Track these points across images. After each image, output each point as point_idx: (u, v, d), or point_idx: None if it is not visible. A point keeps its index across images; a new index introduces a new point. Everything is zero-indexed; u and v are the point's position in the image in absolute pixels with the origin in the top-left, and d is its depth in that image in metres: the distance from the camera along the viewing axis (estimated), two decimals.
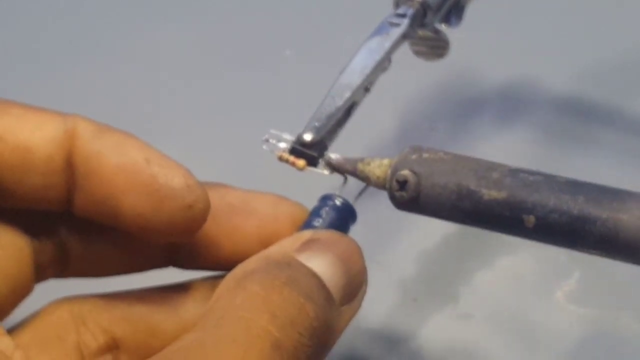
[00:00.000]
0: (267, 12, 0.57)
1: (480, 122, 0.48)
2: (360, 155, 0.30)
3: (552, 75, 0.50)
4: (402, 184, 0.28)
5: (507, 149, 0.45)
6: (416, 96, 0.49)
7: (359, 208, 0.30)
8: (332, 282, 0.26)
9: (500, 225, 0.27)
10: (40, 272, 0.28)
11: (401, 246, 0.41)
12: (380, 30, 0.35)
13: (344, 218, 0.29)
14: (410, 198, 0.28)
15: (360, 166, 0.30)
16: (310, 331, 0.24)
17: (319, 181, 0.31)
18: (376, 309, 0.38)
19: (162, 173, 0.26)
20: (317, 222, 0.29)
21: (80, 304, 0.28)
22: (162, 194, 0.26)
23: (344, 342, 0.27)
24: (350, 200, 0.30)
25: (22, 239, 0.27)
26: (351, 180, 0.30)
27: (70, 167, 0.26)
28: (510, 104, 0.49)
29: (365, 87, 0.33)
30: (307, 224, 0.29)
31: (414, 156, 0.28)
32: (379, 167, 0.29)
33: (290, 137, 0.31)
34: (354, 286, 0.27)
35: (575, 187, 0.26)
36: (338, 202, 0.29)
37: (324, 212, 0.29)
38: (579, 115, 0.48)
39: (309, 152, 0.31)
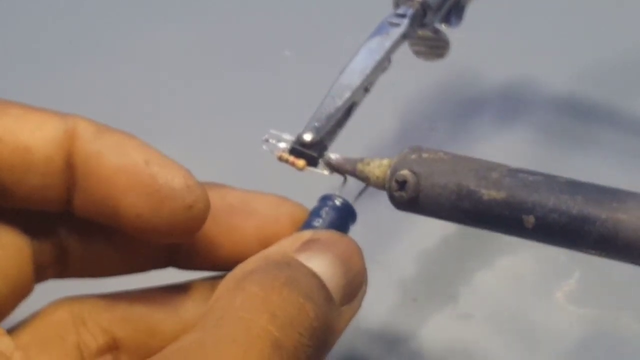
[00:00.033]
0: (267, 12, 0.57)
1: (480, 122, 0.48)
2: (360, 155, 0.30)
3: (552, 75, 0.50)
4: (402, 184, 0.28)
5: (507, 149, 0.45)
6: (416, 96, 0.49)
7: (358, 208, 0.30)
8: (332, 282, 0.26)
9: (499, 226, 0.27)
10: (40, 273, 0.28)
11: (401, 246, 0.41)
12: (380, 31, 0.35)
13: (343, 218, 0.29)
14: (410, 198, 0.28)
15: (359, 166, 0.30)
16: (310, 331, 0.24)
17: (319, 181, 0.31)
18: (376, 309, 0.38)
19: (162, 173, 0.26)
20: (317, 222, 0.29)
21: (80, 304, 0.28)
22: (162, 194, 0.26)
23: (344, 342, 0.27)
24: (350, 200, 0.30)
25: (22, 239, 0.27)
26: (351, 180, 0.30)
27: (70, 168, 0.26)
28: (510, 104, 0.49)
29: (365, 88, 0.33)
30: (306, 224, 0.29)
31: (413, 156, 0.28)
32: (378, 167, 0.29)
33: (290, 137, 0.31)
34: (354, 286, 0.27)
35: (575, 187, 0.26)
36: (338, 202, 0.29)
37: (324, 212, 0.29)
38: (579, 115, 0.48)
39: (309, 152, 0.31)
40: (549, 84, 0.50)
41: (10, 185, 0.26)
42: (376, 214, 0.34)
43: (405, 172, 0.28)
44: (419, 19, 0.37)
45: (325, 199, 0.29)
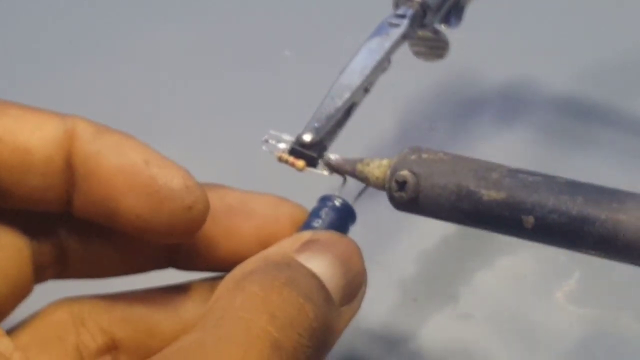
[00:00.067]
0: (267, 12, 0.57)
1: (480, 122, 0.48)
2: (360, 155, 0.30)
3: (552, 75, 0.50)
4: (402, 184, 0.28)
5: (507, 149, 0.45)
6: (416, 96, 0.49)
7: (358, 208, 0.30)
8: (332, 283, 0.26)
9: (499, 226, 0.27)
10: (40, 273, 0.28)
11: (401, 246, 0.41)
12: (380, 31, 0.35)
13: (343, 219, 0.29)
14: (410, 198, 0.28)
15: (359, 167, 0.30)
16: (310, 332, 0.24)
17: (319, 182, 0.31)
18: (376, 309, 0.38)
19: (162, 174, 0.26)
20: (317, 223, 0.29)
21: (79, 305, 0.28)
22: (162, 195, 0.26)
23: (344, 342, 0.27)
24: (350, 200, 0.30)
25: (22, 240, 0.27)
26: (350, 180, 0.30)
27: (69, 168, 0.26)
28: (510, 104, 0.49)
29: (365, 88, 0.33)
30: (306, 225, 0.29)
31: (413, 157, 0.28)
32: (378, 168, 0.29)
33: (289, 138, 0.31)
34: (354, 287, 0.27)
35: (574, 187, 0.26)
36: (337, 202, 0.29)
37: (324, 212, 0.29)
38: (579, 115, 0.48)
39: (309, 153, 0.31)
40: (549, 84, 0.50)
41: (9, 185, 0.26)
42: (376, 214, 0.35)
43: (405, 173, 0.28)
44: (419, 20, 0.37)
45: (324, 200, 0.29)
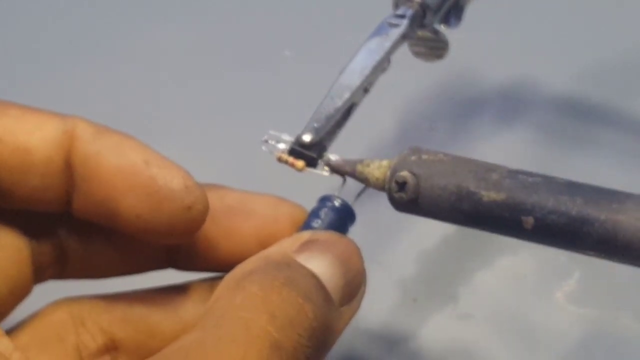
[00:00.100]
0: (267, 12, 0.57)
1: (480, 122, 0.48)
2: (361, 155, 0.30)
3: (552, 75, 0.50)
4: (401, 185, 0.28)
5: (507, 149, 0.45)
6: (416, 96, 0.49)
7: (358, 209, 0.30)
8: (331, 283, 0.26)
9: (499, 227, 0.27)
10: (40, 273, 0.28)
11: (401, 246, 0.41)
12: (379, 31, 0.35)
13: (342, 219, 0.29)
14: (410, 199, 0.28)
15: (359, 167, 0.30)
16: (310, 332, 0.24)
17: (318, 182, 0.31)
18: (376, 309, 0.38)
19: (161, 174, 0.26)
20: (316, 223, 0.29)
21: (79, 305, 0.28)
22: (161, 195, 0.26)
23: (343, 342, 0.27)
24: (349, 201, 0.30)
25: (21, 240, 0.27)
26: (350, 180, 0.30)
27: (69, 169, 0.26)
28: (510, 104, 0.49)
29: (365, 88, 0.33)
30: (306, 225, 0.29)
31: (413, 157, 0.28)
32: (378, 169, 0.29)
33: (289, 138, 0.31)
34: (353, 287, 0.27)
35: (574, 188, 0.26)
36: (337, 203, 0.29)
37: (323, 213, 0.29)
38: (579, 115, 0.48)
39: (308, 153, 0.31)
40: (549, 84, 0.50)
41: (9, 186, 0.26)
42: (376, 215, 0.34)
43: (405, 174, 0.28)
44: (419, 20, 0.37)
45: (324, 200, 0.29)
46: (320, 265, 0.26)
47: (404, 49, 0.37)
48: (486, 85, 0.50)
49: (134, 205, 0.26)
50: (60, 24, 0.57)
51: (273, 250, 0.27)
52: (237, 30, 0.55)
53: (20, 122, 0.26)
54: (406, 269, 0.40)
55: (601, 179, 0.27)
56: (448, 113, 0.49)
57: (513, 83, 0.50)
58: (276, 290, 0.24)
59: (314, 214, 0.29)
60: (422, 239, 0.41)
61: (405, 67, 0.37)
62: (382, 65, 0.34)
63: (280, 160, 0.31)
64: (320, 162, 0.31)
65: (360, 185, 0.30)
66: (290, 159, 0.31)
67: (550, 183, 0.26)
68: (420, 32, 0.38)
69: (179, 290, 0.29)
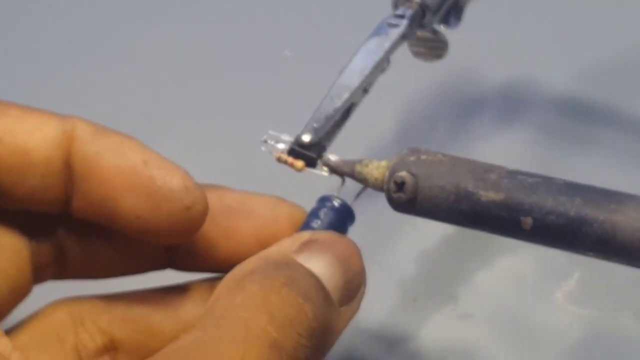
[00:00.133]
0: (267, 12, 0.57)
1: (480, 122, 0.48)
2: (360, 156, 0.30)
3: (552, 75, 0.50)
4: (400, 185, 0.28)
5: (507, 149, 0.45)
6: (416, 96, 0.49)
7: (357, 209, 0.30)
8: (331, 283, 0.26)
9: (497, 227, 0.27)
10: (39, 274, 0.28)
11: (401, 246, 0.41)
12: (379, 31, 0.35)
13: (342, 219, 0.29)
14: (408, 199, 0.28)
15: (358, 168, 0.30)
16: (309, 332, 0.24)
17: (318, 182, 0.31)
18: (376, 309, 0.38)
19: (160, 175, 0.26)
20: (316, 223, 0.29)
21: (79, 305, 0.28)
22: (161, 195, 0.26)
23: (343, 342, 0.27)
24: (349, 201, 0.30)
25: (21, 241, 0.27)
26: (350, 181, 0.30)
27: (68, 169, 0.26)
28: (510, 104, 0.49)
29: (364, 88, 0.33)
30: (305, 225, 0.29)
31: (411, 158, 0.28)
32: (376, 169, 0.29)
33: (288, 138, 0.31)
34: (353, 287, 0.27)
35: (573, 189, 0.26)
36: (336, 203, 0.29)
37: (322, 213, 0.29)
38: (579, 115, 0.48)
39: (308, 153, 0.31)
40: (549, 84, 0.50)
41: (9, 186, 0.26)
42: (375, 215, 0.34)
43: (403, 174, 0.28)
44: (418, 20, 0.37)
45: (323, 200, 0.29)
46: (320, 265, 0.26)
47: (404, 49, 0.37)
48: (486, 85, 0.50)
49: (134, 205, 0.26)
50: (60, 24, 0.57)
51: (273, 250, 0.27)
52: (237, 30, 0.55)
53: (20, 123, 0.26)
54: (406, 269, 0.40)
55: (601, 179, 0.27)
56: (448, 113, 0.49)
57: (513, 83, 0.50)
58: (276, 290, 0.24)
59: (314, 214, 0.29)
60: (422, 239, 0.41)
61: (405, 67, 0.37)
62: (381, 66, 0.34)
63: (279, 160, 0.31)
64: (319, 162, 0.31)
65: (359, 186, 0.30)
66: (290, 159, 0.31)
67: (549, 183, 0.26)
68: (420, 32, 0.38)
69: (179, 290, 0.29)
